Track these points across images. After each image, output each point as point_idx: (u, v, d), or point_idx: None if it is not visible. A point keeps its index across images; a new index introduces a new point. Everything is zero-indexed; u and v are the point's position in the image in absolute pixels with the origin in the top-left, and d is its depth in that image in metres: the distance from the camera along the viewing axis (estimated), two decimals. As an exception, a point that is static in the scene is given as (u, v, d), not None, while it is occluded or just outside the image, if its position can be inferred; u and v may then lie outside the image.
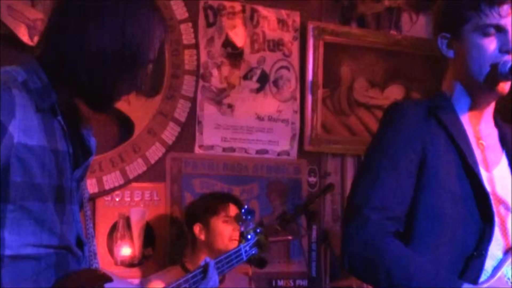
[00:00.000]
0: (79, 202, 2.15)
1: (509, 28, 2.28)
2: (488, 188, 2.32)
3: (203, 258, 3.71)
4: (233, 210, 3.99)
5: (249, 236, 2.80)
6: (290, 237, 4.33)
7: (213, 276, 2.76)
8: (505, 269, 2.28)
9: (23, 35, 3.89)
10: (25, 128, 1.92)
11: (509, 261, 2.30)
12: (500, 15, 2.28)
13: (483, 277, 2.25)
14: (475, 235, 2.28)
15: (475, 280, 2.24)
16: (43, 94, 1.99)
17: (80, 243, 2.10)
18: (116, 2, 2.06)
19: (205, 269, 2.83)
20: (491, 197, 2.32)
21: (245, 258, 2.77)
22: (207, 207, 4.02)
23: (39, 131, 1.96)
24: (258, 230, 2.91)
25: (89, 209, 2.26)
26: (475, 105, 2.39)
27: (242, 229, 3.03)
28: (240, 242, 2.82)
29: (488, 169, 2.37)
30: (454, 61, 2.38)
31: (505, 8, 2.29)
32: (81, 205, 2.18)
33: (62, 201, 2.02)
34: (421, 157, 2.28)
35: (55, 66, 2.03)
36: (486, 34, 2.28)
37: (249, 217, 2.93)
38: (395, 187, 2.26)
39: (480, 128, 2.42)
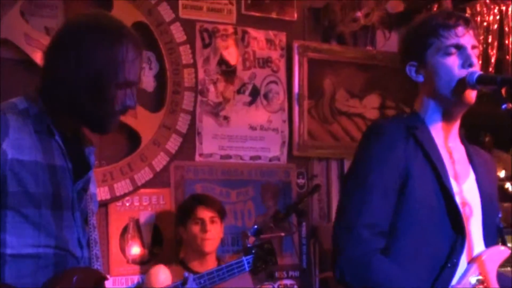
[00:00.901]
0: (83, 211, 2.21)
1: (467, 45, 2.30)
2: (458, 200, 2.33)
3: (192, 256, 3.96)
4: (201, 212, 3.98)
5: (253, 251, 2.77)
6: (282, 234, 4.35)
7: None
8: (470, 278, 2.28)
9: (38, 59, 3.80)
10: (18, 146, 2.01)
11: (472, 270, 2.29)
12: (457, 36, 2.31)
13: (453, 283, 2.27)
14: (448, 246, 2.28)
15: (445, 286, 2.25)
16: (39, 119, 2.09)
17: (80, 246, 2.16)
18: (80, 36, 2.12)
19: (184, 282, 2.85)
20: (462, 209, 2.33)
21: (247, 269, 2.72)
22: (184, 210, 4.06)
23: (34, 148, 2.05)
24: (265, 247, 2.84)
25: (95, 219, 2.27)
26: (446, 121, 2.39)
27: (249, 244, 2.97)
28: (243, 254, 2.77)
29: (458, 182, 2.37)
30: (424, 83, 2.38)
31: (460, 29, 2.31)
32: (85, 215, 2.23)
33: (59, 208, 2.10)
34: (404, 175, 2.27)
35: (48, 96, 2.12)
36: (448, 54, 2.30)
37: (254, 234, 2.87)
38: (383, 204, 2.26)
39: (450, 143, 2.42)
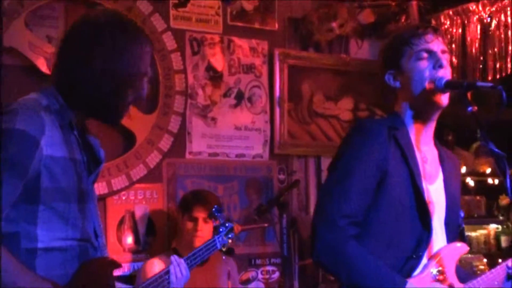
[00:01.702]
0: (95, 204, 2.17)
1: (436, 50, 2.33)
2: (429, 199, 2.36)
3: (186, 246, 3.85)
4: (197, 211, 3.94)
5: (220, 229, 2.75)
6: (265, 224, 4.38)
7: (176, 272, 2.69)
8: (432, 269, 2.32)
9: (42, 66, 3.93)
10: (52, 143, 1.96)
11: (434, 263, 2.33)
12: (427, 42, 2.34)
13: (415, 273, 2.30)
14: (415, 240, 2.31)
15: (409, 275, 2.28)
16: (62, 114, 2.03)
17: (96, 236, 2.12)
18: (102, 32, 2.06)
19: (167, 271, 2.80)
20: (432, 206, 2.36)
21: (219, 247, 2.80)
22: (184, 205, 4.04)
23: (62, 144, 2.00)
24: (227, 224, 2.92)
25: (98, 208, 2.22)
26: (421, 123, 2.41)
27: (215, 224, 3.00)
28: (214, 234, 2.78)
29: (429, 182, 2.40)
30: (401, 89, 2.40)
31: (429, 36, 2.35)
32: (96, 207, 2.19)
33: (82, 201, 2.05)
34: (383, 173, 2.29)
35: (68, 91, 2.06)
36: (420, 58, 2.33)
37: (218, 214, 2.86)
38: (361, 198, 2.29)
39: (424, 145, 2.43)
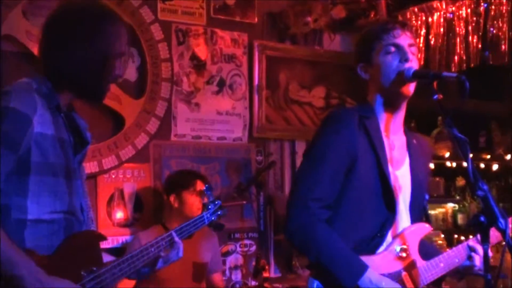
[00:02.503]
0: (82, 181, 2.17)
1: (403, 44, 2.35)
2: (394, 183, 2.37)
3: (177, 220, 3.72)
4: (199, 185, 3.99)
5: (209, 207, 2.78)
6: (244, 202, 4.40)
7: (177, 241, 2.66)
8: (395, 246, 2.35)
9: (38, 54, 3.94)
10: (43, 121, 1.97)
11: (397, 241, 2.35)
12: (394, 37, 2.36)
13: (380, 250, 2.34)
14: (380, 221, 2.34)
15: (374, 251, 2.32)
16: (50, 97, 2.03)
17: (82, 210, 2.12)
18: (82, 22, 2.06)
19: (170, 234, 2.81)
20: (396, 190, 2.37)
21: (206, 223, 2.75)
22: (180, 182, 4.02)
23: (50, 123, 2.00)
24: (216, 202, 2.91)
25: (86, 186, 2.23)
26: (390, 112, 2.42)
27: (205, 201, 2.99)
28: (203, 210, 2.73)
29: (395, 168, 2.41)
30: (371, 80, 2.43)
31: (397, 31, 2.37)
32: (83, 184, 2.19)
33: (69, 177, 2.05)
34: (352, 159, 2.31)
35: (54, 74, 2.05)
36: (388, 52, 2.35)
37: (209, 192, 2.89)
38: (331, 183, 2.30)
39: (393, 132, 2.44)
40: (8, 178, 1.89)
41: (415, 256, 2.37)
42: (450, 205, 6.01)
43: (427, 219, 2.55)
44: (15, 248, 1.84)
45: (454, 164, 5.86)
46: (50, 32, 2.10)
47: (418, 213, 2.48)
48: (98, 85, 2.11)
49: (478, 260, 2.39)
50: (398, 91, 2.35)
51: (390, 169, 2.37)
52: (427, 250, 2.47)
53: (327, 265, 2.24)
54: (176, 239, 2.36)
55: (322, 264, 2.26)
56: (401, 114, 2.45)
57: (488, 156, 6.03)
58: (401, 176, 2.41)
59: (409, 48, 2.36)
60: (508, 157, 6.21)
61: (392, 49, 2.36)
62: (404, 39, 2.37)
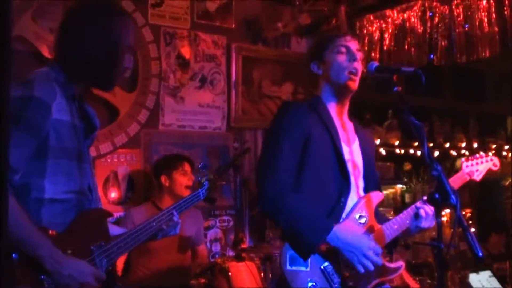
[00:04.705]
0: (90, 163, 2.14)
1: (352, 47, 2.40)
2: (348, 157, 2.38)
3: (166, 198, 3.88)
4: (187, 166, 4.00)
5: (204, 183, 2.74)
6: (223, 183, 4.49)
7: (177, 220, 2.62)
8: (355, 214, 2.34)
9: (45, 52, 3.89)
10: (60, 109, 1.92)
11: (356, 209, 2.33)
12: (346, 41, 2.41)
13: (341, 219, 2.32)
14: (338, 190, 2.33)
15: (337, 220, 2.31)
16: (66, 86, 1.98)
17: (90, 190, 2.09)
18: (97, 17, 2.03)
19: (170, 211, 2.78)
20: (350, 163, 2.39)
21: (202, 198, 2.72)
22: (171, 164, 4.01)
23: (67, 111, 1.96)
24: (211, 178, 2.88)
25: (93, 168, 2.19)
26: (338, 101, 2.45)
27: (199, 178, 2.95)
28: (199, 187, 2.59)
29: (348, 145, 2.43)
30: (323, 75, 2.47)
31: (348, 37, 2.44)
32: (91, 166, 2.15)
33: (80, 160, 2.02)
34: (306, 138, 2.32)
35: (70, 66, 2.01)
36: (339, 52, 2.40)
37: (204, 170, 2.86)
38: (289, 158, 2.30)
39: (343, 117, 2.48)
40: (29, 161, 1.86)
41: (372, 221, 2.37)
42: (399, 186, 6.10)
43: (379, 188, 2.52)
44: (37, 230, 1.81)
45: (402, 151, 5.94)
46: (67, 26, 2.05)
47: (372, 184, 2.47)
48: (110, 74, 2.06)
49: (424, 217, 2.35)
50: (345, 85, 2.38)
51: (345, 147, 2.39)
52: (380, 216, 2.49)
53: (297, 229, 2.23)
54: (176, 218, 2.34)
55: (293, 229, 2.25)
56: (347, 103, 2.48)
57: (431, 144, 6.12)
58: (353, 151, 2.44)
59: (356, 52, 2.41)
60: (447, 145, 6.35)
61: (343, 49, 2.40)
62: (353, 44, 2.42)
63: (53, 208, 1.92)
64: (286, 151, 2.31)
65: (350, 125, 2.51)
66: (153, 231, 2.23)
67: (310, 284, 2.21)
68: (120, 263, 3.88)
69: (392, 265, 2.35)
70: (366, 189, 2.45)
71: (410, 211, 2.42)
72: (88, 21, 2.02)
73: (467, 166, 2.63)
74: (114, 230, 2.16)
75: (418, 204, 2.41)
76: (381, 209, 3.02)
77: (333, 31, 2.57)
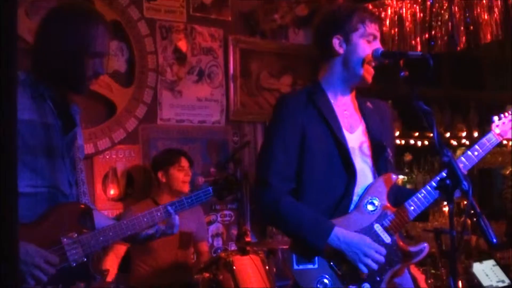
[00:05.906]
0: (72, 159, 2.14)
1: (378, 39, 2.26)
2: (352, 145, 2.27)
3: (165, 194, 3.86)
4: (184, 161, 3.96)
5: (220, 182, 2.61)
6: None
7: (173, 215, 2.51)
8: (364, 201, 2.25)
9: None
10: (21, 108, 1.92)
11: (366, 195, 2.25)
12: (377, 30, 2.28)
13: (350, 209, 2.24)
14: (343, 183, 2.24)
15: (346, 211, 2.23)
16: (35, 87, 2.03)
17: (70, 185, 2.10)
18: (65, 22, 2.07)
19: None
20: (355, 152, 2.27)
21: (204, 200, 2.61)
22: (167, 159, 3.97)
23: (31, 110, 2.00)
24: (229, 178, 2.75)
25: (82, 164, 2.18)
26: (345, 86, 2.33)
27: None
28: (213, 185, 2.58)
29: (351, 132, 2.31)
30: (341, 55, 2.28)
31: (377, 24, 2.29)
32: (73, 161, 2.14)
33: (52, 156, 2.04)
34: (302, 135, 2.24)
35: (40, 68, 2.06)
36: (368, 41, 2.26)
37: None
38: (285, 156, 2.23)
39: (345, 101, 2.34)
40: None
41: (386, 205, 2.26)
42: (400, 177, 6.05)
43: (392, 169, 2.35)
44: None
45: (403, 142, 5.93)
46: (37, 31, 2.12)
47: (384, 168, 2.32)
48: (73, 78, 2.09)
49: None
50: (360, 75, 2.27)
51: (347, 134, 2.28)
52: (398, 196, 2.34)
53: (296, 234, 2.21)
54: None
55: (292, 234, 2.24)
56: (353, 91, 2.39)
57: (431, 134, 6.09)
58: (358, 138, 2.32)
59: (379, 42, 2.30)
60: (447, 134, 6.31)
61: (371, 38, 2.27)
62: (378, 33, 2.31)
63: (21, 201, 1.91)
64: (279, 147, 2.25)
65: (354, 106, 2.37)
66: (143, 227, 2.19)
67: (325, 281, 2.18)
68: (118, 260, 3.85)
69: (415, 249, 2.27)
70: (379, 173, 2.31)
71: (429, 186, 2.25)
72: (55, 26, 2.08)
73: (497, 126, 2.41)
74: (104, 221, 2.16)
75: (438, 177, 2.20)
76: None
77: (361, 9, 2.36)
